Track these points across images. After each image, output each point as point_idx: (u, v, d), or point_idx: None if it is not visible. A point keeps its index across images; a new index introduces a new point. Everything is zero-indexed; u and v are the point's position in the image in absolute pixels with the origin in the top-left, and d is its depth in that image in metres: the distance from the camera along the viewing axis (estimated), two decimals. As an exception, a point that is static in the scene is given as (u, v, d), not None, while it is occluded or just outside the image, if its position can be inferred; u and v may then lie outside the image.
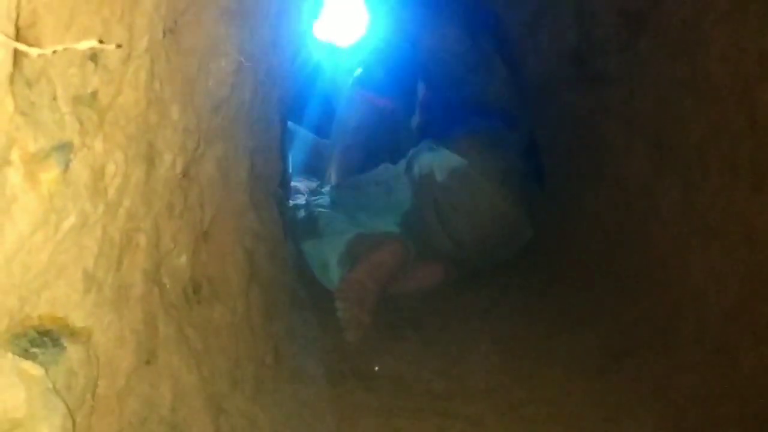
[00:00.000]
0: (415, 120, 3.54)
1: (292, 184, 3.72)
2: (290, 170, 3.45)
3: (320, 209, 3.21)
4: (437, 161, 3.01)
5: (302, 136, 4.11)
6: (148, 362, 1.22)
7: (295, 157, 3.85)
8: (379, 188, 3.19)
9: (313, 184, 3.91)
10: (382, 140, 3.75)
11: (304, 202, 3.50)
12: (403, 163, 3.19)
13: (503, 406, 2.10)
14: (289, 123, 3.80)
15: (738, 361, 1.98)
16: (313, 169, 4.08)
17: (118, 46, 0.86)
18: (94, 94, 0.92)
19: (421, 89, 3.54)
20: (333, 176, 3.74)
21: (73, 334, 0.92)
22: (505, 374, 2.28)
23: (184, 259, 1.48)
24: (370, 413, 2.05)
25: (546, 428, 1.97)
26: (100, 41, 0.80)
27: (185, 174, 1.42)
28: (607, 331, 2.44)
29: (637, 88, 2.56)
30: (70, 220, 0.86)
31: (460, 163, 2.97)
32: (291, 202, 3.43)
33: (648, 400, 2.05)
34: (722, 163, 2.10)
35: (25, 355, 0.82)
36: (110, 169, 0.96)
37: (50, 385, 0.81)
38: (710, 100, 2.14)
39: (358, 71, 3.71)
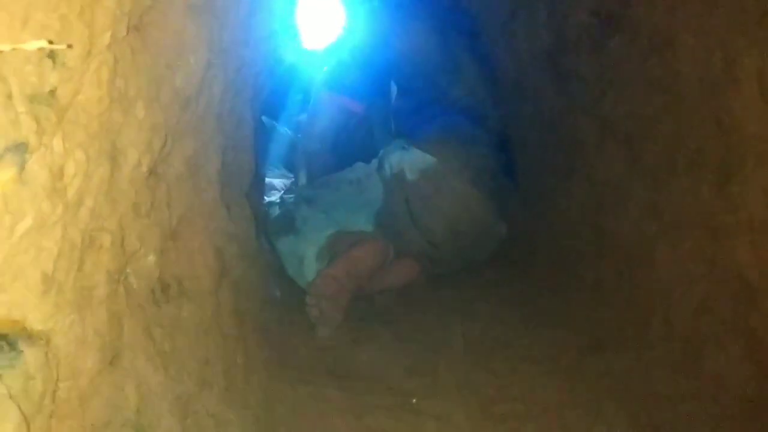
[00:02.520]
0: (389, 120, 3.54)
1: (267, 180, 3.70)
2: (264, 167, 3.43)
3: (295, 207, 3.19)
4: (408, 160, 3.02)
5: (279, 132, 4.09)
6: (112, 363, 1.20)
7: (271, 154, 3.83)
8: (352, 187, 3.19)
9: (288, 181, 3.90)
10: (354, 141, 3.74)
11: (278, 200, 3.49)
12: (374, 162, 3.19)
13: (475, 404, 2.11)
14: (265, 119, 3.79)
15: (704, 362, 2.01)
16: (290, 165, 4.06)
17: (69, 46, 0.85)
18: (52, 93, 0.90)
19: (393, 89, 3.54)
20: (301, 179, 3.73)
21: (31, 337, 0.90)
22: (477, 372, 2.29)
23: (151, 258, 1.46)
24: (343, 411, 2.05)
25: (517, 425, 1.98)
26: (50, 42, 0.78)
27: (152, 172, 1.40)
28: (578, 328, 2.46)
29: (608, 88, 2.59)
30: (27, 222, 0.84)
31: (430, 162, 2.98)
32: (265, 199, 3.42)
33: (618, 397, 2.08)
34: (690, 163, 2.12)
35: (-20, 360, 0.80)
36: (70, 168, 0.95)
37: (4, 391, 0.79)
38: (679, 100, 2.17)
39: (324, 71, 3.69)
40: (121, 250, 1.25)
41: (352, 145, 3.70)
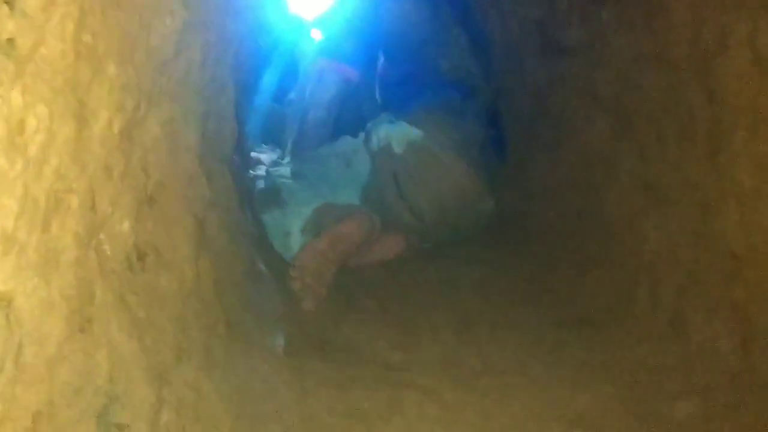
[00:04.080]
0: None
1: (253, 154, 3.66)
2: (250, 139, 3.38)
3: (282, 180, 3.16)
4: (395, 134, 2.99)
5: (264, 104, 4.03)
6: (82, 330, 1.17)
7: (255, 126, 3.78)
8: (339, 161, 3.16)
9: (274, 155, 3.85)
10: (347, 112, 3.70)
11: (264, 173, 3.45)
12: (362, 136, 3.16)
13: (459, 377, 2.10)
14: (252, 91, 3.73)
15: (690, 334, 2.00)
16: (276, 138, 4.01)
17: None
18: (10, 42, 0.86)
19: (380, 60, 3.50)
20: (297, 148, 3.69)
21: (-10, 297, 0.86)
22: (461, 345, 2.28)
23: (126, 224, 1.42)
24: (326, 384, 2.03)
25: (501, 399, 1.97)
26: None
27: (125, 135, 1.35)
28: (564, 302, 2.45)
29: (598, 60, 2.55)
30: (-19, 175, 0.80)
31: (417, 136, 2.96)
32: (251, 173, 3.37)
33: (603, 370, 2.07)
34: (679, 135, 2.10)
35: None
36: (31, 123, 0.90)
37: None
38: (669, 71, 2.13)
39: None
40: (92, 214, 1.21)
41: (340, 119, 3.66)
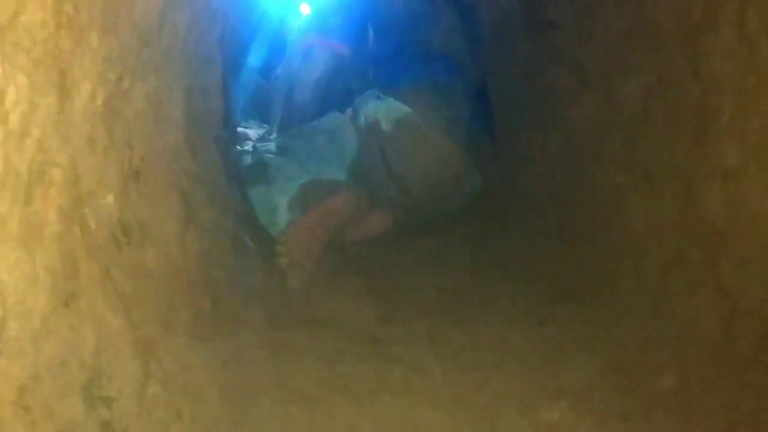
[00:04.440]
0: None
1: (240, 130, 3.64)
2: (237, 115, 3.36)
3: (269, 155, 3.15)
4: (383, 110, 2.98)
5: (251, 79, 3.99)
6: (67, 304, 1.16)
7: (242, 101, 3.75)
8: (326, 137, 3.14)
9: (261, 131, 3.83)
10: (335, 88, 3.68)
11: (251, 149, 3.43)
12: (349, 112, 3.15)
13: (445, 352, 2.11)
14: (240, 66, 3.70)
15: (673, 310, 2.02)
16: (263, 115, 3.98)
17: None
18: (-12, 10, 0.84)
19: (370, 36, 3.47)
20: (284, 125, 3.67)
21: (-29, 270, 0.85)
22: (448, 321, 2.30)
23: (110, 199, 1.41)
24: (313, 358, 2.04)
25: (485, 372, 1.98)
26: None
27: (109, 108, 1.33)
28: (549, 278, 2.47)
29: (586, 36, 2.54)
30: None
31: (405, 113, 2.95)
32: (238, 148, 3.35)
33: (587, 345, 2.09)
34: (666, 113, 2.10)
35: None
36: (11, 93, 0.89)
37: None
38: (657, 49, 2.13)
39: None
40: (76, 187, 1.20)
41: (329, 94, 3.64)
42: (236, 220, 2.50)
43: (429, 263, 2.71)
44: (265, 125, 4.01)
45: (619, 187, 2.32)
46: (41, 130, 1.00)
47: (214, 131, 2.25)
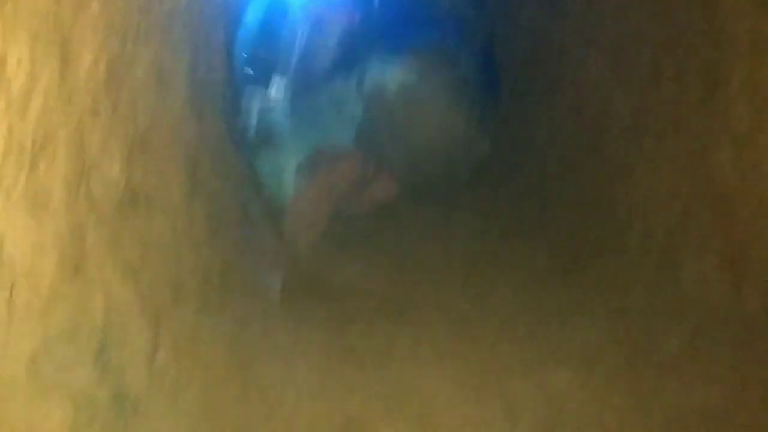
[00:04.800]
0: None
1: (244, 96, 3.60)
2: (239, 80, 3.32)
3: (275, 121, 3.13)
4: (389, 75, 2.95)
5: (254, 44, 3.94)
6: (75, 272, 1.17)
7: (245, 67, 3.71)
8: (332, 102, 3.12)
9: (265, 94, 3.79)
10: (339, 54, 3.64)
11: (257, 115, 3.40)
12: (354, 77, 3.12)
13: (452, 317, 2.12)
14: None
15: (681, 274, 2.01)
16: (265, 80, 3.94)
17: None
18: (-14, -23, 0.82)
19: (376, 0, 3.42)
20: (294, 96, 3.64)
21: (-22, 239, 0.86)
22: (455, 287, 2.30)
23: (116, 168, 1.41)
24: (320, 323, 2.05)
25: (492, 338, 1.99)
26: None
27: (112, 76, 1.32)
28: (556, 243, 2.46)
29: (595, -2, 2.49)
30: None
31: (411, 78, 2.92)
32: (243, 115, 3.33)
33: (594, 310, 2.09)
34: (676, 74, 2.07)
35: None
36: (12, 62, 0.88)
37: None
38: (668, 8, 2.09)
39: None
40: (81, 157, 1.19)
41: (335, 58, 3.60)
42: (242, 187, 2.49)
43: (436, 231, 2.70)
44: (269, 91, 3.97)
45: (628, 149, 2.29)
46: (44, 99, 1.00)
47: (218, 98, 2.23)
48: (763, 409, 1.52)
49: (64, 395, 1.13)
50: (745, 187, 1.80)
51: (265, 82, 3.96)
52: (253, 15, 3.81)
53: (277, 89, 3.83)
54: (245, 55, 3.71)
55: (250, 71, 3.83)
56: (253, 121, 3.19)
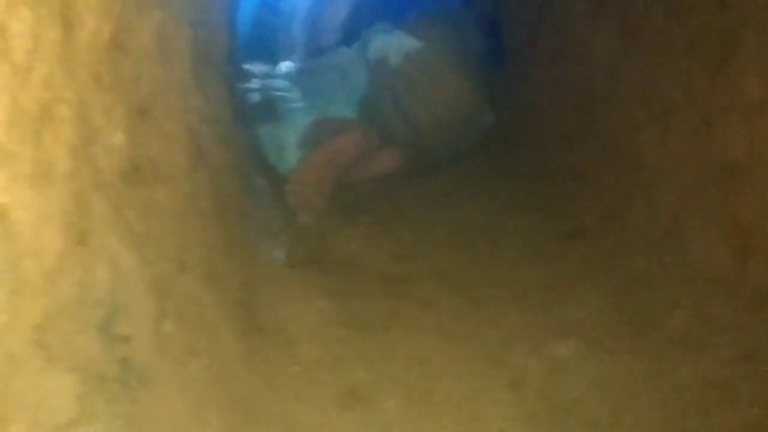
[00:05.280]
0: None
1: (245, 67, 3.57)
2: (240, 50, 3.29)
3: (277, 93, 3.10)
4: (392, 45, 2.91)
5: (254, 14, 3.90)
6: (80, 242, 1.15)
7: (246, 37, 3.67)
8: (335, 73, 3.09)
9: (267, 67, 3.76)
10: (344, 24, 3.60)
11: (258, 86, 3.37)
12: (358, 47, 3.07)
13: (455, 288, 2.12)
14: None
15: (687, 246, 2.00)
16: (266, 50, 3.90)
17: None
18: (-14, -62, 0.80)
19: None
20: (294, 58, 3.60)
21: (-16, 209, 0.84)
22: (458, 258, 2.30)
23: (120, 137, 1.39)
24: (324, 295, 2.06)
25: (496, 308, 2.00)
26: None
27: (115, 43, 1.30)
28: (560, 215, 2.45)
29: (604, -36, 2.44)
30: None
31: (415, 47, 2.88)
32: (244, 86, 3.30)
33: (597, 281, 2.09)
34: (687, 45, 2.03)
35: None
36: (14, 27, 0.86)
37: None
38: (679, -24, 2.05)
39: None
40: (84, 125, 1.17)
41: (339, 28, 3.56)
42: (246, 158, 2.48)
43: (440, 201, 2.70)
44: (271, 61, 3.93)
45: (634, 122, 2.27)
46: (46, 65, 0.98)
47: (221, 66, 2.20)
48: (767, 381, 1.52)
49: (71, 366, 1.12)
50: (753, 160, 1.79)
51: (269, 53, 3.93)
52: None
53: (280, 59, 3.80)
54: (248, 27, 3.68)
55: (254, 43, 3.80)
56: (257, 91, 3.16)
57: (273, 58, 3.81)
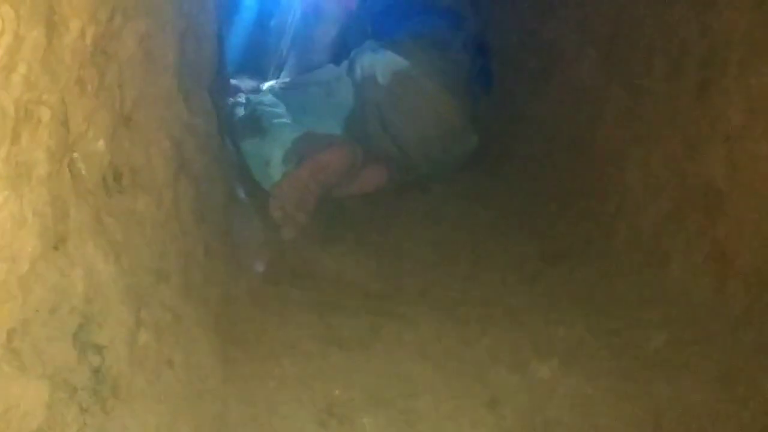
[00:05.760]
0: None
1: (233, 81, 3.56)
2: (229, 65, 3.29)
3: (263, 108, 3.09)
4: (379, 63, 2.92)
5: (244, 30, 3.90)
6: (56, 248, 1.13)
7: (235, 52, 3.67)
8: (321, 89, 3.09)
9: (254, 83, 3.76)
10: (331, 41, 3.61)
11: (244, 101, 3.36)
12: (345, 65, 3.08)
13: (438, 307, 2.11)
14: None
15: (668, 268, 2.02)
16: (255, 66, 3.90)
17: None
18: (-30, -67, 0.79)
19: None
20: (282, 75, 3.60)
21: (-44, 208, 0.82)
22: (441, 276, 2.29)
23: (101, 143, 1.37)
24: (304, 310, 2.03)
25: (478, 327, 1.98)
26: None
27: (99, 48, 1.29)
28: (544, 236, 2.46)
29: (591, -11, 2.48)
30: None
31: (402, 66, 2.89)
32: (231, 100, 3.29)
33: (579, 303, 2.09)
34: (670, 69, 2.06)
35: None
36: (-4, 25, 0.85)
37: None
38: (664, 3, 2.08)
39: None
40: (65, 129, 1.16)
41: (326, 45, 3.57)
42: (229, 171, 2.46)
43: (424, 219, 2.70)
44: (259, 77, 3.93)
45: (618, 144, 2.29)
46: (28, 65, 0.96)
47: (207, 79, 2.19)
48: (747, 404, 1.52)
49: (42, 374, 1.10)
50: (734, 184, 1.81)
51: (256, 68, 3.93)
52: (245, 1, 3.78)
53: (267, 75, 3.80)
54: (236, 39, 3.68)
55: (245, 60, 3.80)
56: (243, 106, 3.15)
57: (263, 75, 3.81)
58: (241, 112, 3.12)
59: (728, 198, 1.83)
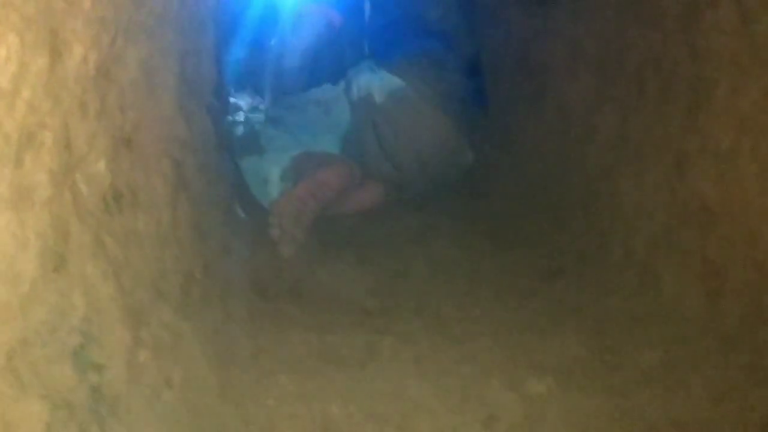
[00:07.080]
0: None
1: (231, 100, 3.60)
2: (228, 84, 3.32)
3: (261, 126, 3.13)
4: (376, 83, 2.97)
5: (244, 48, 3.94)
6: (57, 269, 1.15)
7: (234, 71, 3.71)
8: (319, 108, 3.13)
9: (253, 102, 3.80)
10: (328, 59, 3.65)
11: (243, 119, 3.41)
12: (342, 84, 3.13)
13: (434, 324, 2.13)
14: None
15: (661, 286, 2.04)
16: (253, 85, 3.94)
17: None
18: (-21, -34, 0.82)
19: (366, 8, 3.44)
20: (273, 95, 3.64)
21: (-39, 231, 0.85)
22: (437, 293, 2.31)
23: (102, 165, 1.40)
24: (301, 328, 2.05)
25: (474, 344, 2.00)
26: None
27: (102, 72, 1.31)
28: (538, 253, 2.48)
29: (582, 12, 2.52)
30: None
31: (399, 86, 2.94)
32: (230, 118, 3.33)
33: (574, 320, 2.11)
34: (660, 91, 2.10)
35: None
36: (2, 52, 0.87)
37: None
38: (653, 24, 2.12)
39: None
40: (67, 152, 1.18)
41: (321, 65, 3.61)
42: (228, 189, 2.49)
43: (419, 237, 2.72)
44: (257, 96, 3.97)
45: (610, 164, 2.32)
46: (32, 91, 0.99)
47: (207, 99, 2.22)
48: (740, 422, 1.54)
49: (41, 394, 1.11)
50: (725, 203, 1.83)
51: (254, 87, 3.97)
52: (243, 20, 3.81)
53: (263, 93, 3.84)
54: (234, 59, 3.72)
55: (239, 75, 3.84)
56: (242, 124, 3.19)
57: (262, 94, 3.85)
58: (240, 130, 3.16)
59: (719, 216, 1.85)
